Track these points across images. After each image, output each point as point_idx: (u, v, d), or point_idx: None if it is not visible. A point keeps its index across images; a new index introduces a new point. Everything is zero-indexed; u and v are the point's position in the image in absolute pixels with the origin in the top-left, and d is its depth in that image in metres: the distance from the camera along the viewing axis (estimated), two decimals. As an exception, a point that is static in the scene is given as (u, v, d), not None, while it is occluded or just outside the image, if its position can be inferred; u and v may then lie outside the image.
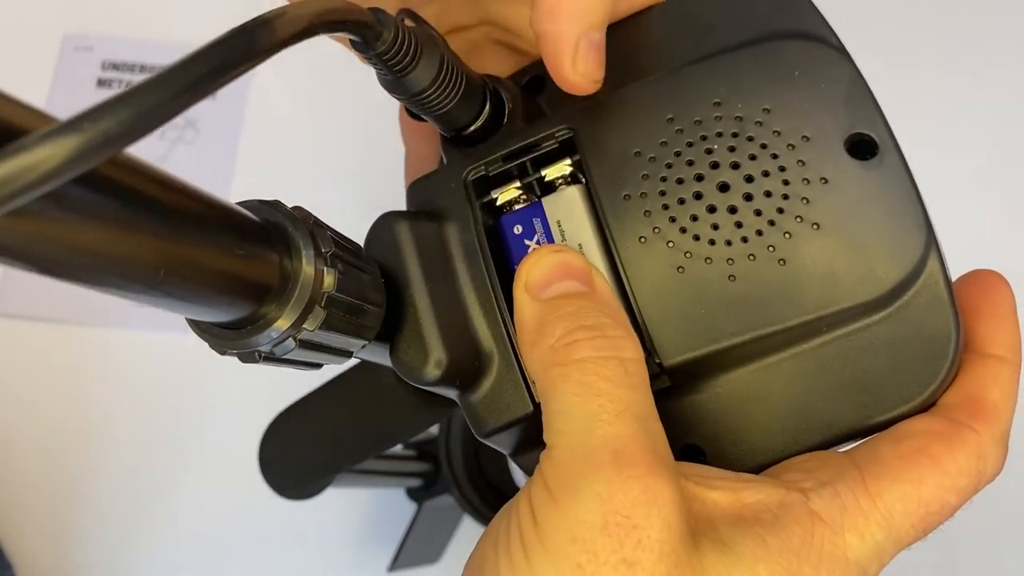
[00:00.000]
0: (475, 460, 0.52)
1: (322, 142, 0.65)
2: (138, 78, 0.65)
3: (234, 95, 0.66)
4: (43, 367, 0.61)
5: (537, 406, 0.22)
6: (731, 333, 0.21)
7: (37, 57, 0.67)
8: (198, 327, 0.19)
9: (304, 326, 0.19)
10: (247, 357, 0.19)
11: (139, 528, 0.58)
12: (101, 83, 0.66)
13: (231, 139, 0.65)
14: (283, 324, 0.18)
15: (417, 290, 0.23)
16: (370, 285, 0.21)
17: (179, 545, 0.58)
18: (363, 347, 0.22)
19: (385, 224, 0.24)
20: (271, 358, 0.19)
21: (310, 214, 0.20)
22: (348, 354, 0.22)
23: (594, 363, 0.20)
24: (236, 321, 0.19)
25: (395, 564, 0.53)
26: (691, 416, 0.22)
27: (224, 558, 0.58)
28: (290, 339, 0.19)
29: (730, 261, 0.21)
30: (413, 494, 0.55)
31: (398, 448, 0.54)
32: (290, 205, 0.20)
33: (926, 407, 0.21)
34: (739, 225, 0.22)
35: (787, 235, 0.21)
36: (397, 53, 0.21)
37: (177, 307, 0.17)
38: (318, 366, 0.22)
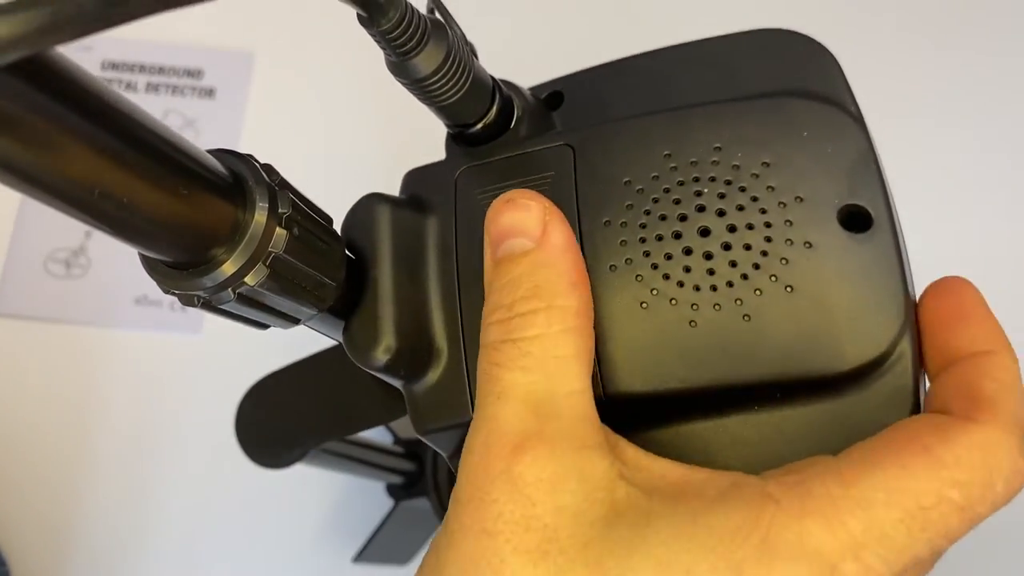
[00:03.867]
0: (459, 470, 0.52)
1: (323, 143, 0.65)
2: (138, 78, 0.66)
3: (234, 95, 0.66)
4: (43, 367, 0.61)
5: None
6: (679, 378, 0.21)
7: (36, 57, 0.67)
8: (147, 263, 0.19)
9: (245, 280, 0.19)
10: (186, 300, 0.19)
11: (136, 526, 0.58)
12: (100, 83, 0.66)
13: (231, 139, 0.65)
14: (223, 273, 0.19)
15: (382, 273, 0.23)
16: (328, 257, 0.21)
17: (177, 542, 0.58)
18: (312, 317, 0.22)
19: (366, 204, 0.24)
20: (209, 306, 0.19)
21: (279, 174, 0.20)
22: (295, 320, 0.22)
23: (493, 348, 0.20)
24: (184, 263, 0.19)
25: (361, 555, 0.53)
26: None
27: (225, 554, 0.58)
28: (229, 290, 0.19)
29: (694, 307, 0.21)
30: (393, 491, 0.55)
31: (388, 441, 0.54)
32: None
33: None
34: (711, 272, 0.21)
35: (758, 292, 0.21)
36: (403, 34, 0.20)
37: (118, 235, 0.17)
38: (263, 326, 0.21)
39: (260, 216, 0.19)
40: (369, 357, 0.22)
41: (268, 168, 0.20)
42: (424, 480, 0.51)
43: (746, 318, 0.21)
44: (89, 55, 0.67)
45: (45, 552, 0.57)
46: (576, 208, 0.23)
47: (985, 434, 0.18)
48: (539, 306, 0.20)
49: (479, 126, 0.24)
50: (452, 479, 0.51)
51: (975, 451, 0.18)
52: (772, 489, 0.18)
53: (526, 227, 0.21)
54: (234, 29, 0.67)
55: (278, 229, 0.19)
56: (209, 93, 0.66)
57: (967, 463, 0.18)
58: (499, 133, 0.24)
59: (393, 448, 0.54)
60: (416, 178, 0.26)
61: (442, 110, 0.23)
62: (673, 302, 0.21)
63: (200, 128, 0.65)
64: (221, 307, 0.19)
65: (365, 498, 0.58)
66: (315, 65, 0.66)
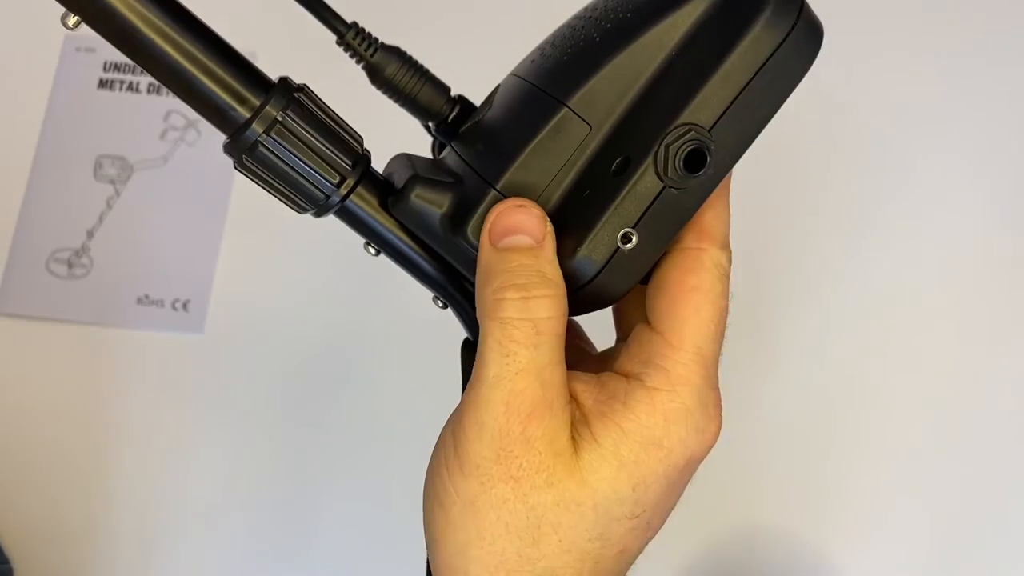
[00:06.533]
0: None
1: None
2: (140, 79, 0.66)
3: (235, 96, 0.66)
4: (45, 367, 0.61)
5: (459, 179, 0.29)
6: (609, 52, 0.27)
7: (39, 58, 0.67)
8: (225, 147, 0.28)
9: (265, 130, 0.27)
10: (246, 145, 0.27)
11: (137, 525, 0.58)
12: (103, 84, 0.67)
13: (232, 140, 0.65)
14: (253, 123, 0.27)
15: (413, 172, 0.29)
16: (332, 132, 0.28)
17: (178, 542, 0.58)
18: (341, 187, 0.28)
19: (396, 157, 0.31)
20: (253, 154, 0.27)
21: (305, 90, 0.28)
22: (326, 187, 0.28)
23: (512, 325, 0.25)
24: (231, 134, 0.27)
25: None
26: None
27: (225, 555, 0.58)
28: (259, 134, 0.26)
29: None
30: None
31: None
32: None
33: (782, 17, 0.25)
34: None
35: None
36: (363, 40, 0.29)
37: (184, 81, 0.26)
38: (300, 193, 0.28)
39: (277, 103, 0.27)
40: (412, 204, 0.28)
41: (300, 87, 0.28)
42: None
43: None
44: (92, 56, 0.67)
45: (47, 551, 0.58)
46: (529, 78, 0.30)
47: (713, 255, 0.27)
48: (548, 293, 0.26)
49: (454, 112, 0.30)
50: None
51: (715, 268, 0.27)
52: (651, 383, 0.26)
53: (532, 228, 0.26)
54: (236, 29, 0.67)
55: (294, 95, 0.28)
56: (211, 94, 0.66)
57: (716, 277, 0.27)
58: (467, 115, 0.30)
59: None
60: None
61: (416, 106, 0.30)
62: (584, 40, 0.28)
63: (202, 128, 0.66)
64: (260, 152, 0.27)
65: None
66: (316, 65, 0.66)
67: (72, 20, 0.25)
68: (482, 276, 0.27)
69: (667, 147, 0.26)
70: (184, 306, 0.62)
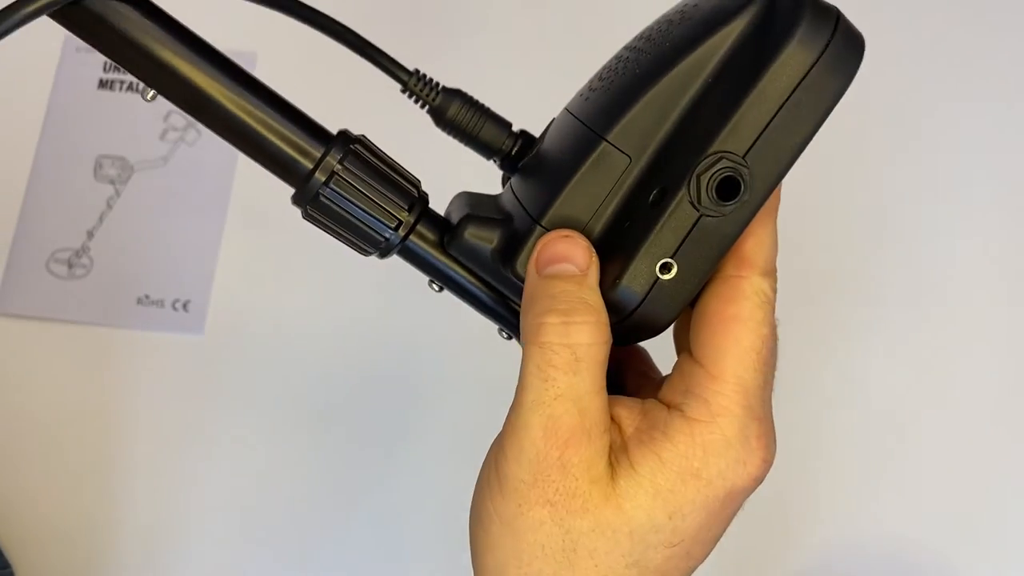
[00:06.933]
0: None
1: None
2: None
3: (235, 96, 0.66)
4: (45, 367, 0.61)
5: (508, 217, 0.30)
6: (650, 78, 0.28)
7: (39, 58, 0.67)
8: (293, 199, 0.30)
9: (325, 179, 0.28)
10: (310, 195, 0.29)
11: (138, 528, 0.58)
12: (103, 84, 0.67)
13: (232, 140, 0.65)
14: (316, 173, 0.28)
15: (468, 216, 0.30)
16: (388, 179, 0.29)
17: (179, 544, 0.58)
18: (399, 228, 0.29)
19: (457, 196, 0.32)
20: (318, 202, 0.29)
21: (363, 143, 0.29)
22: (389, 222, 0.29)
23: (552, 350, 0.26)
24: (298, 187, 0.29)
25: None
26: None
27: (225, 555, 0.58)
28: (323, 181, 0.28)
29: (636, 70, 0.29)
30: None
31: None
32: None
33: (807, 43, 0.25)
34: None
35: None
36: (425, 85, 0.30)
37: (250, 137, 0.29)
38: (363, 245, 0.29)
39: (335, 154, 0.29)
40: (464, 240, 0.29)
41: (358, 139, 0.29)
42: None
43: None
44: (91, 57, 0.67)
45: (47, 553, 0.58)
46: (575, 112, 0.31)
47: (754, 283, 0.27)
48: (590, 319, 0.26)
49: (515, 146, 0.31)
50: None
51: (756, 297, 0.27)
52: (690, 413, 0.26)
53: (577, 257, 0.27)
54: (237, 30, 0.67)
55: (351, 146, 0.29)
56: (211, 94, 0.66)
57: (758, 305, 0.27)
58: (529, 148, 0.31)
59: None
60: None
61: (479, 144, 0.31)
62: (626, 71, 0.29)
63: (202, 129, 0.66)
64: (322, 201, 0.29)
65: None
66: (317, 67, 0.66)
67: (150, 94, 0.28)
68: (526, 302, 0.28)
69: (699, 176, 0.26)
70: (184, 306, 0.62)
